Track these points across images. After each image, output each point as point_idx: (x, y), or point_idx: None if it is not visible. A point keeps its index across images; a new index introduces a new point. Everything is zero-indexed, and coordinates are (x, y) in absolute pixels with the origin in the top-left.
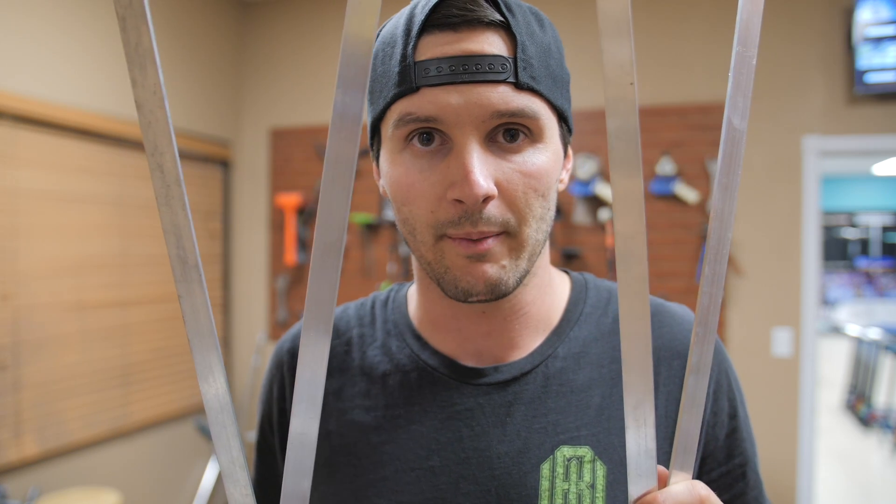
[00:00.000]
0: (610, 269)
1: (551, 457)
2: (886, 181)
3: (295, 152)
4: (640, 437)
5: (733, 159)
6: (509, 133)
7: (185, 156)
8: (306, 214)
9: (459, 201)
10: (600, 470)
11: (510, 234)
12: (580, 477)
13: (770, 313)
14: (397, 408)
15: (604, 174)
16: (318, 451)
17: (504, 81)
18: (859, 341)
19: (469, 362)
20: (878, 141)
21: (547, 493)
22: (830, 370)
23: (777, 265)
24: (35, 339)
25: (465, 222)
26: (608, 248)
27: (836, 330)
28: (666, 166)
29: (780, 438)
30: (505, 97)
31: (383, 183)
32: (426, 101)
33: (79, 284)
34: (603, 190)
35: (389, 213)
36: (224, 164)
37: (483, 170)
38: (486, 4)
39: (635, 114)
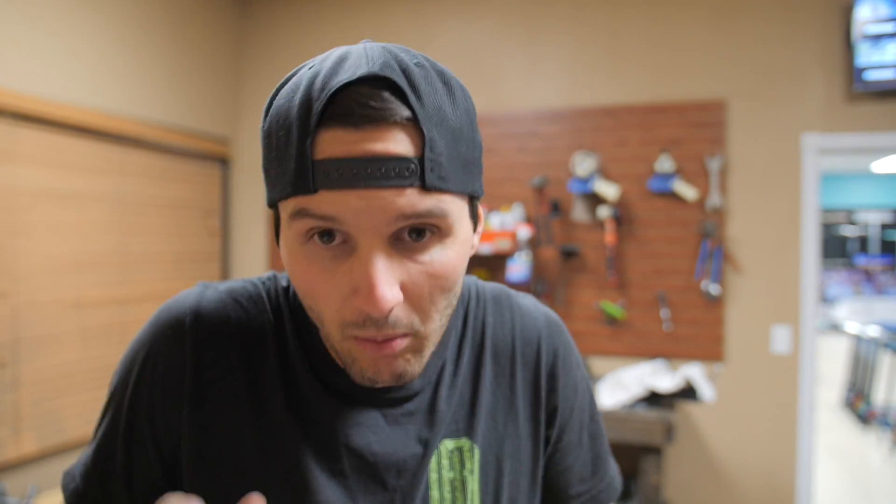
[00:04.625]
0: (609, 267)
1: (437, 450)
2: (885, 179)
3: None
4: None
5: None
6: (416, 230)
7: (185, 153)
8: None
9: None
10: (477, 455)
11: (415, 335)
12: (462, 466)
13: (769, 311)
14: (311, 414)
15: (602, 171)
16: (235, 448)
17: (410, 185)
18: (858, 339)
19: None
20: (877, 138)
21: (436, 482)
22: (829, 368)
23: (776, 262)
24: (34, 336)
25: (370, 325)
26: (607, 246)
27: (835, 327)
28: (665, 164)
29: (779, 436)
30: (411, 201)
31: (285, 262)
32: (325, 202)
33: (78, 282)
34: (601, 187)
35: None
36: (223, 162)
37: (388, 278)
38: (391, 98)
39: None
